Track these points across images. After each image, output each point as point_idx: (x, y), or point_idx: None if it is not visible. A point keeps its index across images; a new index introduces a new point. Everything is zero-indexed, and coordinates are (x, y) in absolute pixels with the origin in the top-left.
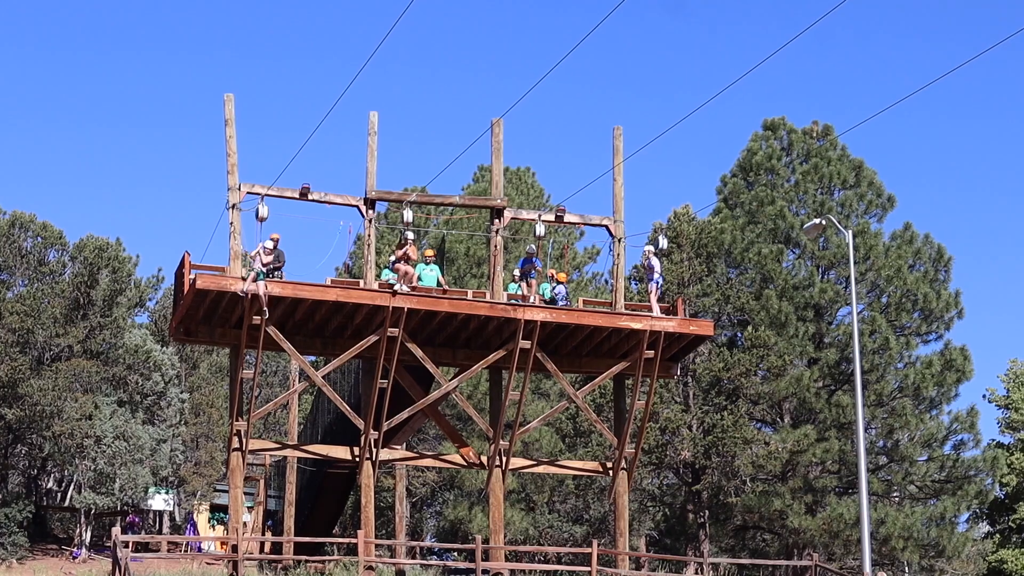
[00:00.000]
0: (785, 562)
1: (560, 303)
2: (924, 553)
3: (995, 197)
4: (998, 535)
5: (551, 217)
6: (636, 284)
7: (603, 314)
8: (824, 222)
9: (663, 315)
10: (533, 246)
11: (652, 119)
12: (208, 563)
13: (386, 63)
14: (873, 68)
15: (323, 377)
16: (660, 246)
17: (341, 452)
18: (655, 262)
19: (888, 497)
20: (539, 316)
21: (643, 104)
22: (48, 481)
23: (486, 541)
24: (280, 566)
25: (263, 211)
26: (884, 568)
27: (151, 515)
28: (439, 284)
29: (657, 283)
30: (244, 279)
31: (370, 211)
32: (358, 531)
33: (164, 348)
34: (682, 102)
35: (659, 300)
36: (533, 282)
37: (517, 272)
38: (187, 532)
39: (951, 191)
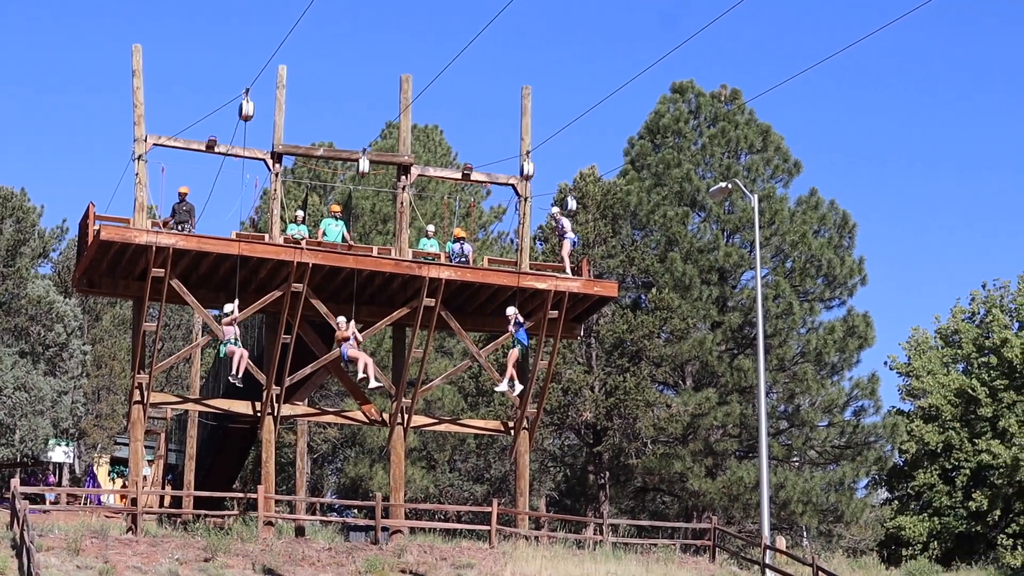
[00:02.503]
0: (684, 524)
1: (456, 260)
2: (823, 518)
3: (900, 165)
4: (896, 502)
5: (458, 175)
6: (541, 244)
7: (508, 273)
8: (730, 186)
9: (569, 276)
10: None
11: (564, 80)
12: (107, 516)
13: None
14: (782, 34)
15: None
16: (568, 207)
17: (243, 407)
18: (565, 222)
19: (788, 462)
20: (444, 274)
21: (555, 65)
22: None
23: (386, 499)
24: (179, 520)
25: (248, 108)
26: (783, 532)
27: (51, 467)
28: (344, 240)
29: (573, 242)
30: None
31: (277, 165)
32: (258, 487)
33: (67, 299)
34: (594, 64)
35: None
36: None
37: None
38: (87, 485)
39: (857, 158)
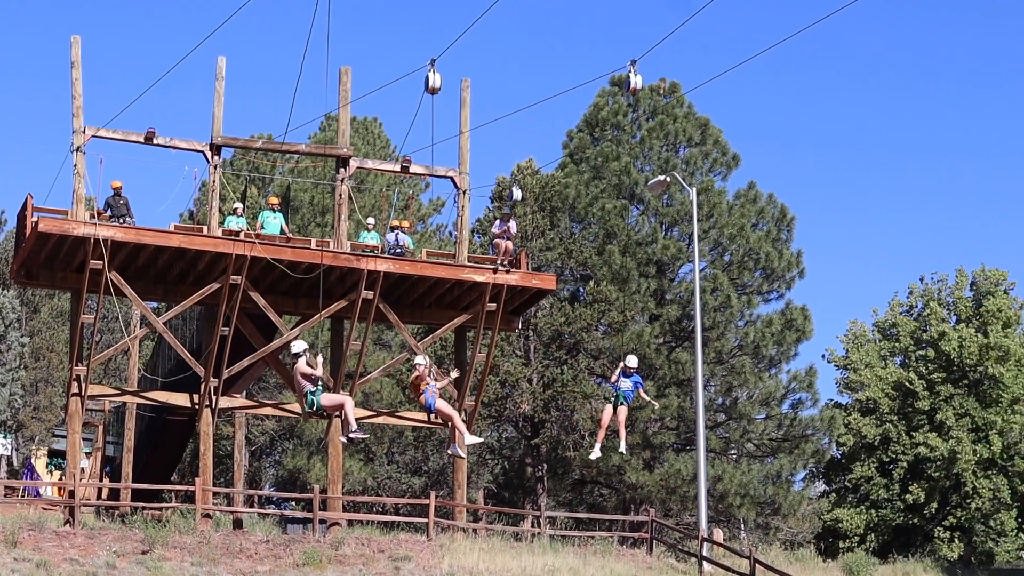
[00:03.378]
0: (622, 517)
1: (392, 251)
2: (760, 510)
3: (839, 159)
4: (834, 494)
5: (396, 167)
6: (480, 237)
7: (446, 266)
8: (668, 179)
9: (506, 268)
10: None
11: (502, 72)
12: (45, 508)
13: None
14: (721, 27)
15: (164, 323)
16: (514, 197)
17: (181, 399)
18: (512, 225)
19: (726, 454)
20: (382, 266)
21: (493, 57)
22: None
23: (324, 491)
24: (117, 512)
25: (435, 80)
26: (720, 525)
27: None
28: (283, 232)
29: (512, 250)
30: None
31: (216, 157)
32: (196, 479)
33: (5, 291)
34: (533, 56)
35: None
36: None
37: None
38: (24, 477)
39: (796, 152)
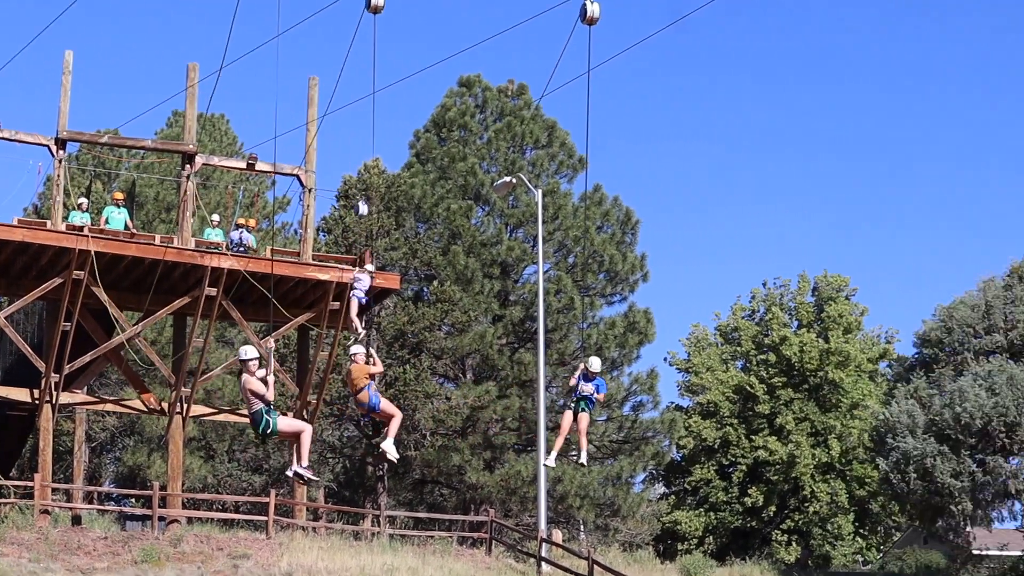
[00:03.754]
0: (462, 517)
1: (236, 249)
2: (600, 512)
3: (684, 163)
4: (673, 496)
5: (242, 165)
6: (324, 235)
7: (291, 264)
8: (514, 180)
9: (351, 267)
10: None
11: (350, 71)
12: None
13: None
14: (570, 29)
15: (6, 318)
16: (360, 212)
17: (21, 394)
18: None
19: (566, 456)
20: (226, 263)
21: (341, 56)
22: None
23: (164, 488)
24: None
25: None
26: (559, 526)
27: None
28: (127, 228)
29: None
30: None
31: (61, 151)
32: (35, 475)
33: None
34: (380, 56)
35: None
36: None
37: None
38: None
39: (641, 155)
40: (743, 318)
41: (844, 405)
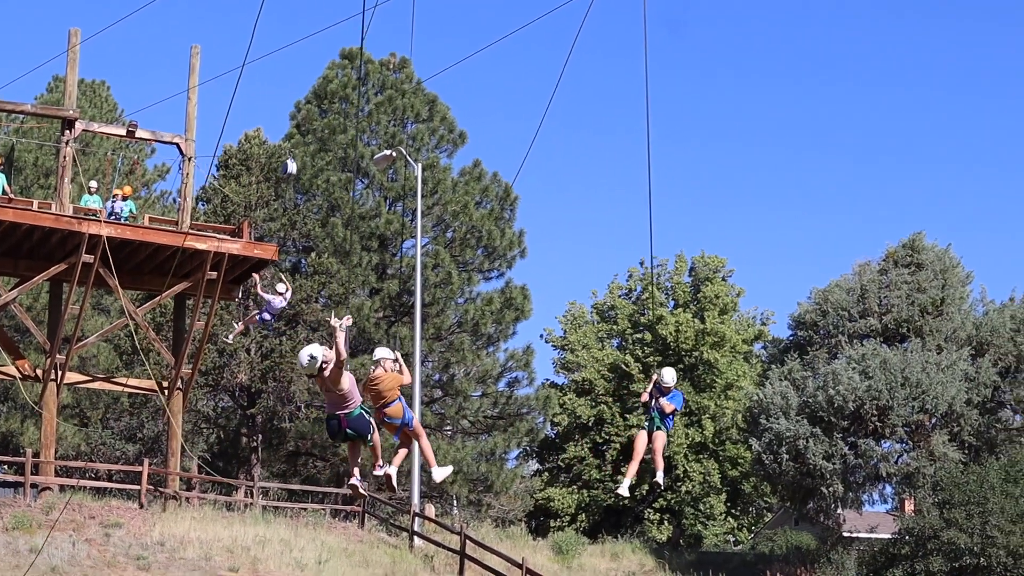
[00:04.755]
0: (335, 490)
1: (114, 216)
2: (473, 487)
3: (562, 141)
4: (546, 473)
5: (122, 131)
6: (204, 205)
7: (169, 233)
8: (394, 154)
9: (229, 237)
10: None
11: (232, 41)
12: None
13: None
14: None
15: None
16: (288, 171)
17: None
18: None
19: (441, 431)
20: (104, 231)
21: (223, 25)
22: None
23: (36, 455)
24: None
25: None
26: (433, 500)
27: None
28: (4, 192)
29: (265, 319)
30: None
31: None
32: None
33: None
34: (267, 26)
35: (226, 223)
36: None
37: None
38: None
39: (521, 131)
40: (620, 297)
41: (718, 385)
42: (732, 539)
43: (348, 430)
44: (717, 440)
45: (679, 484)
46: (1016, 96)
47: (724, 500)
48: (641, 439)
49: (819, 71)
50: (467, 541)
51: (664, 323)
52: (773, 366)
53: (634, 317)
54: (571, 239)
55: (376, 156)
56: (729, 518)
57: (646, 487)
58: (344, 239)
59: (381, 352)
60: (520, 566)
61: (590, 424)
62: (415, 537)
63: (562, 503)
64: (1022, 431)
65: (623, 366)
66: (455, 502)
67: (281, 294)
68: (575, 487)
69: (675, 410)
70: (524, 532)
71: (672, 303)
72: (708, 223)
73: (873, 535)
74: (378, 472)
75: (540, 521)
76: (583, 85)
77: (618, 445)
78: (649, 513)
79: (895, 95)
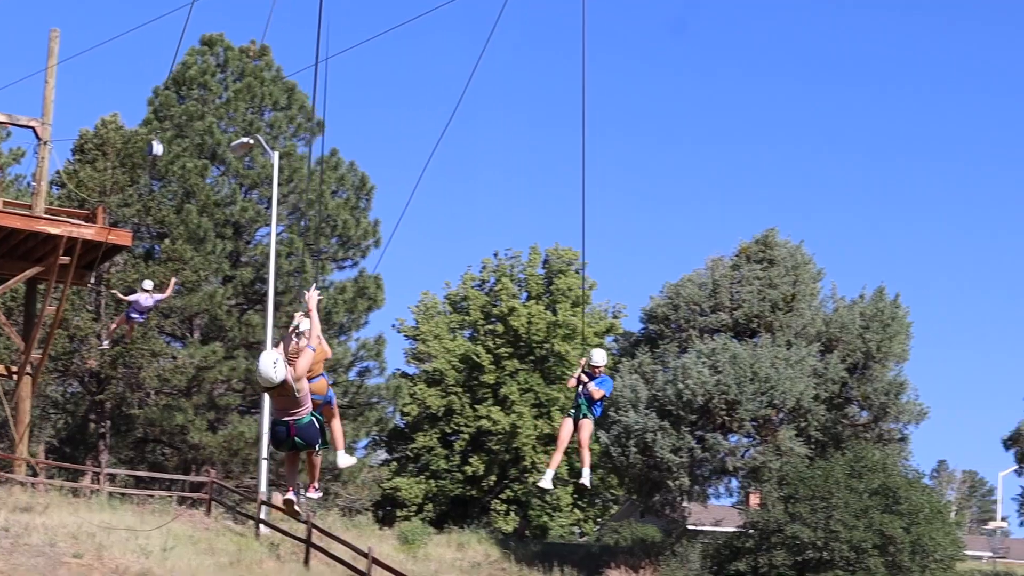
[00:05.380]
0: (183, 477)
1: None
2: (320, 476)
3: (419, 130)
4: (395, 463)
5: None
6: (58, 189)
7: (21, 216)
8: (251, 141)
9: (83, 222)
10: None
11: (92, 23)
12: None
13: None
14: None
15: None
16: (154, 152)
17: None
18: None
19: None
20: None
21: (84, 7)
22: None
23: None
24: None
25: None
26: (280, 489)
27: None
28: None
29: (133, 318)
30: None
31: None
32: None
33: None
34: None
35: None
36: None
37: None
38: None
39: (378, 120)
40: (473, 288)
41: (569, 378)
42: (578, 531)
43: (296, 439)
44: None
45: (526, 475)
46: (868, 92)
47: (571, 492)
48: (566, 427)
49: (672, 63)
50: (313, 530)
51: (516, 315)
52: (624, 359)
53: (486, 308)
54: (426, 229)
55: (233, 143)
56: (575, 510)
57: (493, 478)
58: (199, 226)
59: (306, 324)
60: (366, 555)
61: (440, 414)
62: (261, 525)
63: (409, 493)
64: (868, 427)
65: (474, 357)
66: (302, 491)
67: (148, 291)
68: (423, 477)
69: (604, 396)
70: (371, 521)
71: (525, 295)
72: (562, 216)
73: (718, 528)
74: (312, 495)
75: (387, 511)
76: (443, 76)
77: (467, 436)
78: (496, 504)
79: (753, 89)
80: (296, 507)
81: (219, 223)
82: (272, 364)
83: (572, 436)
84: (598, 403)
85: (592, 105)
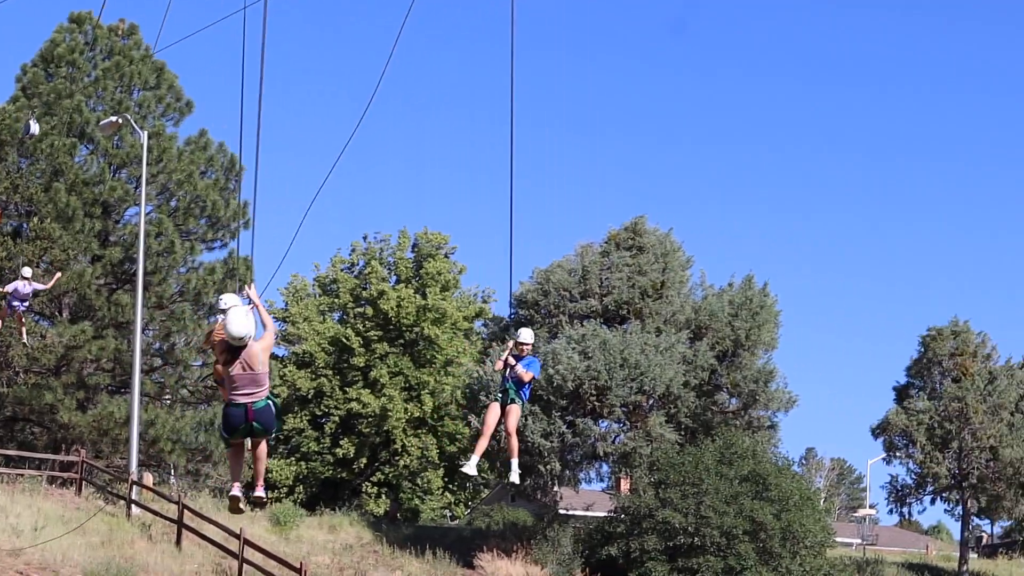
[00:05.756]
0: (52, 457)
1: None
2: (191, 457)
3: (292, 113)
4: None
5: None
6: None
7: None
8: (120, 120)
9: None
10: None
11: None
12: None
13: None
14: None
15: None
16: (30, 131)
17: None
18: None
19: (160, 399)
20: None
21: None
22: None
23: None
24: None
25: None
26: (151, 469)
27: None
28: None
29: (17, 308)
30: None
31: None
32: None
33: None
34: None
35: None
36: None
37: None
38: None
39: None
40: (342, 270)
41: (438, 361)
42: (449, 514)
43: (255, 423)
44: (436, 415)
45: (397, 458)
46: (735, 85)
47: (442, 475)
48: (493, 413)
49: (539, 47)
50: (185, 511)
51: (386, 298)
52: (494, 344)
53: (356, 291)
54: (296, 211)
55: (102, 122)
56: (446, 493)
57: (364, 461)
58: (67, 204)
59: (231, 301)
60: (238, 536)
61: (310, 396)
62: (132, 505)
63: (280, 474)
64: (737, 415)
65: (344, 340)
66: (173, 471)
67: (27, 279)
68: (293, 459)
69: (533, 378)
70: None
71: (394, 278)
72: (432, 200)
73: (589, 513)
74: (260, 493)
75: None
76: (311, 57)
77: (337, 418)
78: (367, 486)
79: (613, 77)
80: (241, 505)
81: (88, 202)
82: (244, 316)
83: (498, 422)
84: (527, 386)
85: (475, 92)
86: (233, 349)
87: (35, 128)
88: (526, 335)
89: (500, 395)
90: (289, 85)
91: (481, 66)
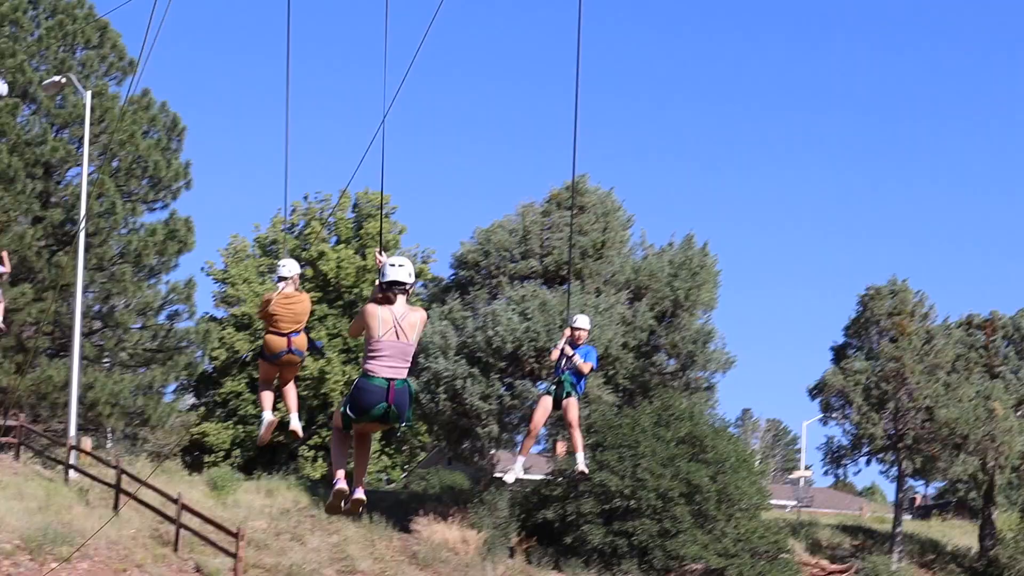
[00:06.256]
0: None
1: None
2: (129, 420)
3: (237, 74)
4: (203, 408)
5: None
6: None
7: None
8: (64, 80)
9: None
10: None
11: None
12: None
13: None
14: None
15: None
16: (1, 92)
17: None
18: None
19: (99, 363)
20: None
21: None
22: None
23: None
24: None
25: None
26: (89, 433)
27: None
28: None
29: None
30: None
31: None
32: None
33: None
34: None
35: None
36: None
37: None
38: None
39: (192, 62)
40: (282, 231)
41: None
42: (385, 478)
43: (394, 406)
44: None
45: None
46: (674, 38)
47: (378, 438)
48: (543, 408)
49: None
50: (123, 475)
51: (326, 259)
52: (434, 305)
53: (296, 252)
54: (237, 171)
55: (45, 82)
56: (383, 456)
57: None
58: (8, 165)
59: (293, 268)
60: (175, 501)
61: (248, 359)
62: (70, 470)
63: (217, 438)
64: (675, 376)
65: None
66: (110, 435)
67: None
68: (231, 423)
69: (592, 369)
70: (180, 467)
71: (334, 239)
72: (371, 158)
73: (526, 476)
74: (359, 496)
75: (195, 456)
76: (256, 12)
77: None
78: (303, 451)
79: (563, 32)
80: (344, 504)
81: (29, 163)
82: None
83: (549, 416)
84: (584, 379)
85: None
86: (382, 311)
87: (4, 89)
88: (583, 320)
89: (555, 387)
90: (238, 44)
91: (407, 16)
